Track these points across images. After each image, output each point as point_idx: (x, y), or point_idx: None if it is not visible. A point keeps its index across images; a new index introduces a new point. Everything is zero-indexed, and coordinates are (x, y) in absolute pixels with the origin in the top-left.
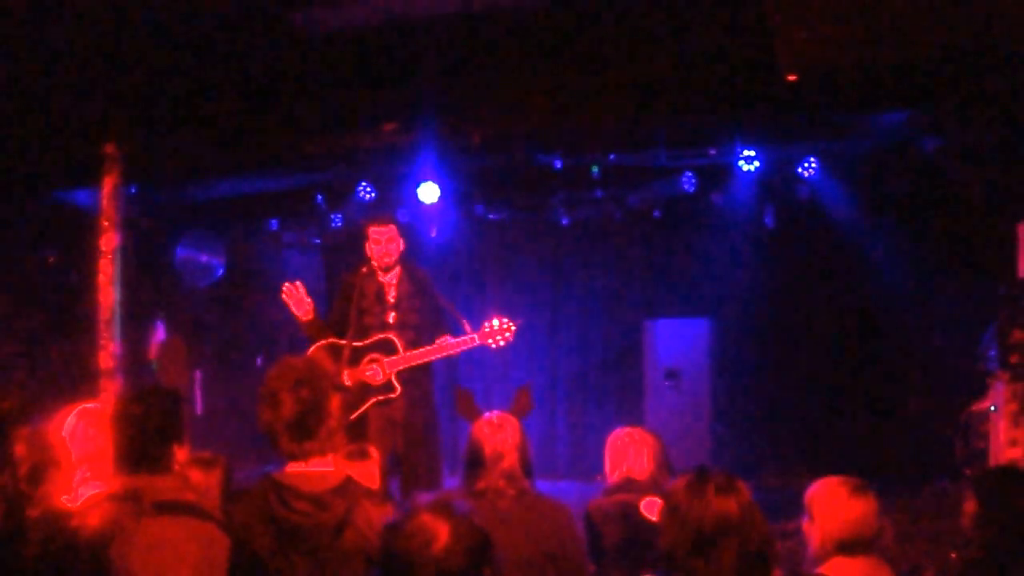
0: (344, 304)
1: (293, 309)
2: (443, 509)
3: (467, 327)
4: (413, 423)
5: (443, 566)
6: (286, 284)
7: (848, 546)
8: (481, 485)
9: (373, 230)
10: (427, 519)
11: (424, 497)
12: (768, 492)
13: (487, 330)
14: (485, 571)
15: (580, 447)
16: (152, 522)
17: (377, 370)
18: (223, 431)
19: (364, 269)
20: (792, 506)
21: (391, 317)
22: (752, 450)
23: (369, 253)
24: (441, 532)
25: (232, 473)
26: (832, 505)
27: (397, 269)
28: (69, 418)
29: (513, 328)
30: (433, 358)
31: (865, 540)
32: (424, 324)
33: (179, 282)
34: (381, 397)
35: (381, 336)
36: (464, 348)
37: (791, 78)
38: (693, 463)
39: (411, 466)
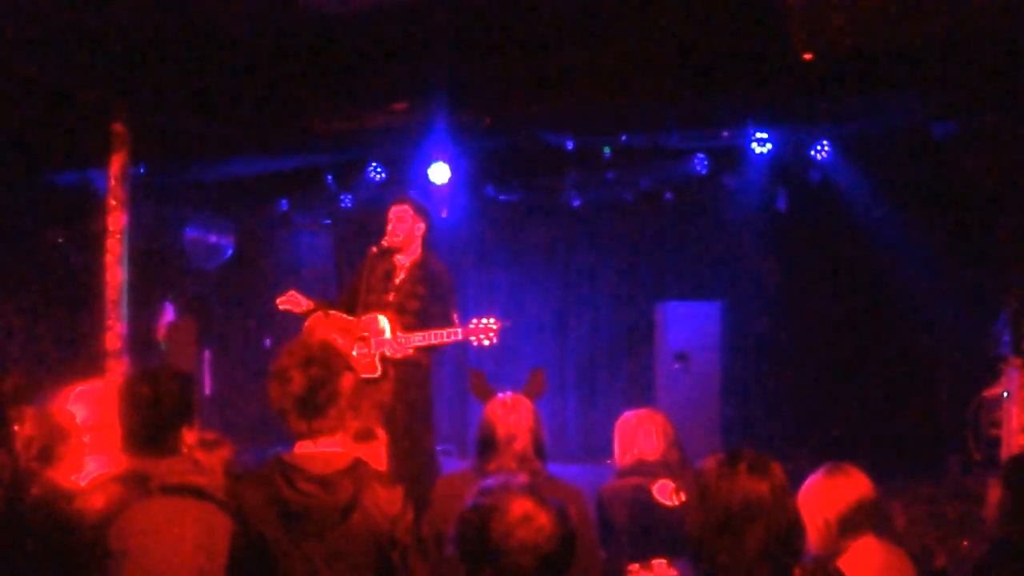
0: (355, 280)
1: (296, 311)
2: (540, 496)
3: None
4: (398, 409)
5: (541, 553)
6: (278, 299)
7: (848, 525)
8: (493, 466)
9: (390, 209)
10: (531, 506)
11: (507, 479)
12: None
13: (472, 327)
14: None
15: (590, 430)
16: (151, 502)
17: (364, 348)
18: (231, 412)
19: (375, 248)
20: (797, 489)
21: (391, 297)
22: (762, 433)
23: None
24: (547, 521)
25: (236, 455)
26: (814, 491)
27: (415, 254)
28: (68, 399)
29: (497, 328)
30: (415, 346)
31: (862, 514)
32: (425, 312)
33: (188, 263)
34: (364, 375)
35: (375, 314)
36: (446, 342)
37: (806, 57)
38: (702, 445)
39: (394, 452)
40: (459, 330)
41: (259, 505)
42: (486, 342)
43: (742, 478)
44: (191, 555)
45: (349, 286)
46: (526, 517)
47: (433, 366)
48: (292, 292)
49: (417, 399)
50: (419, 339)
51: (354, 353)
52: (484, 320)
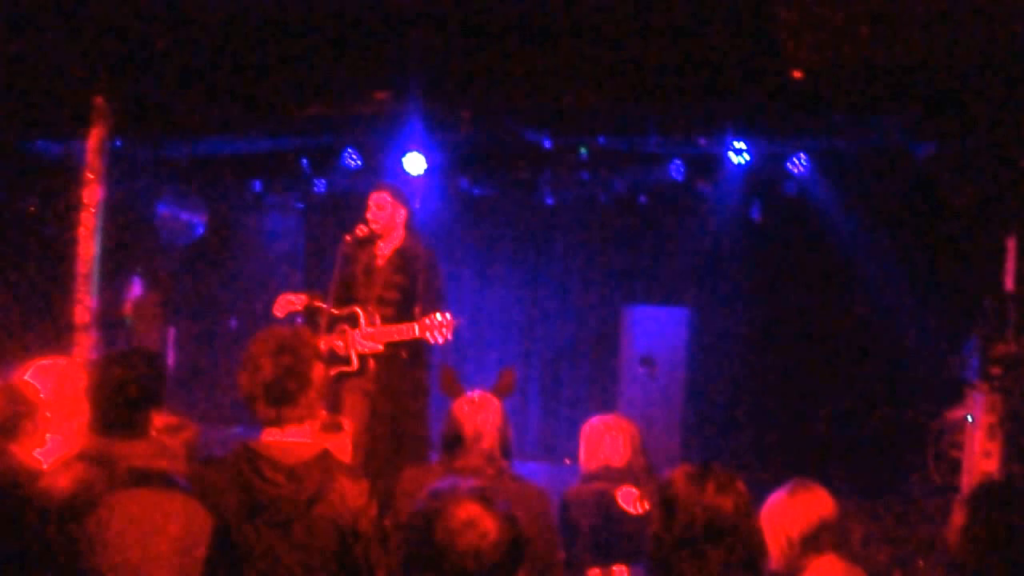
0: (336, 271)
1: (295, 310)
2: (488, 501)
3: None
4: (380, 402)
5: (485, 560)
6: (275, 309)
7: (810, 541)
8: (460, 464)
9: (370, 196)
10: (476, 511)
11: (455, 482)
12: None
13: (427, 323)
14: (520, 572)
15: (551, 429)
16: (132, 494)
17: (340, 342)
18: (193, 390)
19: (348, 237)
20: (757, 503)
21: (371, 290)
22: (722, 443)
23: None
24: (491, 527)
25: (198, 437)
26: (777, 509)
27: (397, 241)
28: (27, 374)
29: (451, 324)
30: (378, 341)
31: (824, 532)
32: (405, 302)
33: (158, 239)
34: (343, 368)
35: (352, 308)
36: (404, 337)
37: (796, 75)
38: (663, 451)
39: (375, 445)
40: (415, 326)
41: (224, 492)
42: (440, 339)
43: (709, 495)
44: (170, 548)
45: (334, 277)
46: (470, 522)
47: (425, 356)
48: (283, 296)
49: (400, 391)
50: (382, 335)
51: (335, 344)
52: (439, 316)
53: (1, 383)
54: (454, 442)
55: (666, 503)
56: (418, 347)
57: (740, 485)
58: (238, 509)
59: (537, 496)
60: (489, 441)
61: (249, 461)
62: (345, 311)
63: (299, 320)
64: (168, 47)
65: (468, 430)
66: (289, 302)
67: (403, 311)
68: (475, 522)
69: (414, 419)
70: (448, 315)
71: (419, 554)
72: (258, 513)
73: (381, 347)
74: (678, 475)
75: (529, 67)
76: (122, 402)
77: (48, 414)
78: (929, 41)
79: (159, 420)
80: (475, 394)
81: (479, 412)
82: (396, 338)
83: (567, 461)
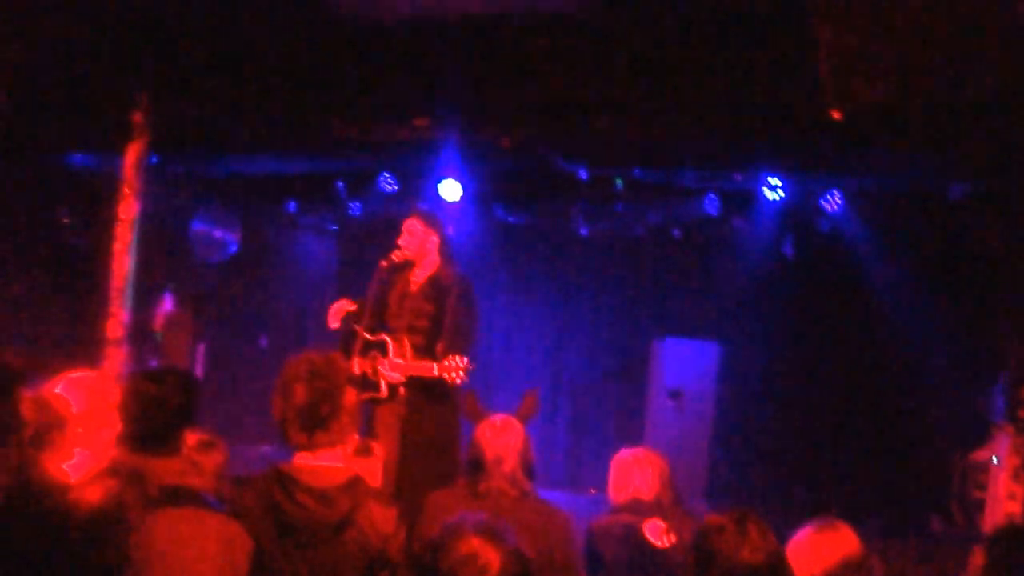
0: (371, 296)
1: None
2: (495, 536)
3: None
4: (409, 430)
5: None
6: (331, 320)
7: None
8: (483, 487)
9: (403, 223)
10: (478, 545)
11: (464, 516)
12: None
13: (447, 364)
14: None
15: (577, 459)
16: (172, 513)
17: (371, 369)
18: (222, 408)
19: (384, 263)
20: (782, 540)
21: (402, 320)
22: (748, 479)
23: None
24: (494, 560)
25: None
26: (803, 546)
27: (431, 268)
28: (58, 386)
29: (466, 368)
30: (402, 374)
31: (848, 571)
32: (435, 330)
33: (191, 256)
34: (374, 395)
35: (382, 336)
36: (422, 375)
37: (835, 115)
38: (689, 485)
39: (405, 471)
40: (434, 365)
41: (255, 513)
42: (458, 381)
43: (746, 548)
44: (212, 569)
45: (368, 301)
46: (472, 556)
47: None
48: (338, 303)
49: (431, 418)
50: (405, 369)
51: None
52: (456, 359)
53: (32, 395)
54: (476, 466)
55: (703, 555)
56: (443, 382)
57: (772, 539)
58: (268, 530)
59: (560, 520)
60: (511, 464)
61: (280, 483)
62: (376, 338)
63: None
64: (208, 65)
65: (489, 454)
66: (343, 309)
67: (433, 339)
68: (476, 556)
69: (444, 445)
70: (464, 359)
71: None
72: (287, 535)
73: (403, 379)
74: (715, 527)
75: (567, 98)
76: (155, 419)
77: (79, 428)
78: (965, 80)
79: (191, 438)
80: (497, 418)
81: (500, 436)
82: (418, 374)
83: (592, 491)
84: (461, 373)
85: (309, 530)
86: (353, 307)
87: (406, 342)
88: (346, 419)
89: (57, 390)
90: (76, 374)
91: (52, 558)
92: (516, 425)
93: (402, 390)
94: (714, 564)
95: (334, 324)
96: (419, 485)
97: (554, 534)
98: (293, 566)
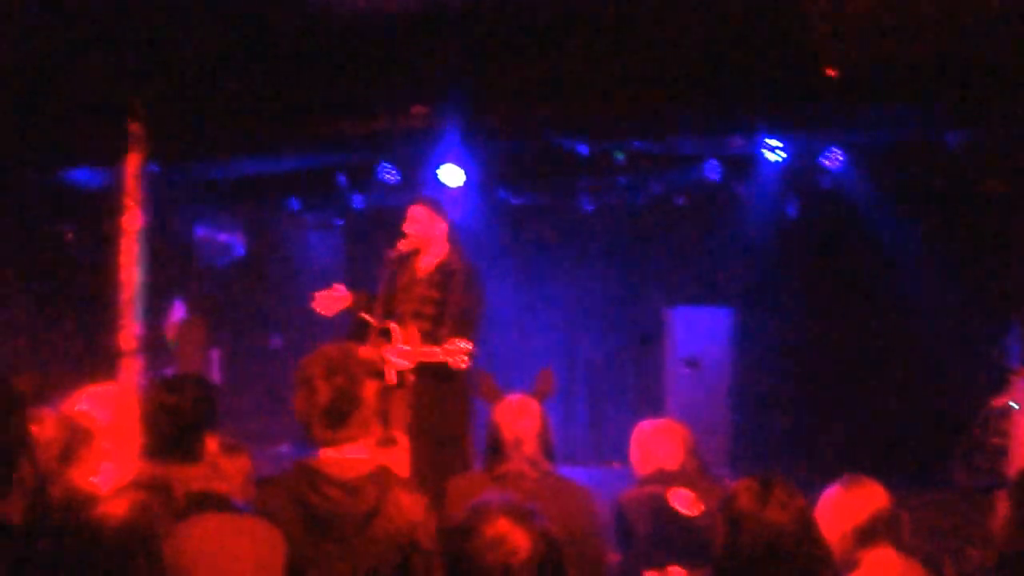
0: (381, 285)
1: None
2: (523, 517)
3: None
4: (418, 416)
5: (514, 574)
6: (319, 309)
7: (865, 534)
8: (503, 469)
9: (407, 210)
10: (507, 527)
11: (491, 497)
12: None
13: (450, 347)
14: None
15: (598, 433)
16: (206, 517)
17: (381, 355)
18: (238, 411)
19: (392, 252)
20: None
21: (409, 305)
22: (770, 440)
23: None
24: (522, 543)
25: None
26: (832, 503)
27: (439, 255)
28: (79, 401)
29: (469, 351)
30: (403, 361)
31: (879, 524)
32: (441, 316)
33: (197, 261)
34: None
35: (387, 323)
36: (428, 359)
37: (830, 73)
38: (711, 452)
39: (416, 458)
40: (438, 349)
41: (283, 510)
42: (462, 365)
43: (772, 512)
44: (249, 572)
45: (379, 291)
46: (500, 539)
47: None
48: (322, 293)
49: (439, 404)
50: (411, 355)
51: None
52: (459, 343)
53: (54, 412)
54: (495, 448)
55: (731, 519)
56: (449, 366)
57: (800, 501)
58: (296, 526)
59: (582, 495)
60: (531, 445)
61: (306, 478)
62: (382, 326)
63: (347, 320)
64: (201, 68)
65: (508, 435)
66: (333, 299)
67: (439, 326)
68: (505, 539)
69: (453, 430)
70: (467, 343)
71: (454, 570)
72: (318, 529)
73: (411, 365)
74: (741, 490)
75: (561, 73)
76: (176, 427)
77: (104, 441)
78: (958, 30)
79: (213, 443)
80: (514, 398)
81: (519, 417)
82: (424, 359)
83: (616, 464)
84: (464, 356)
85: (338, 522)
86: (345, 295)
87: (413, 328)
88: (368, 412)
89: (80, 405)
90: (96, 388)
91: (82, 572)
92: (533, 405)
93: (410, 377)
94: (742, 527)
95: (325, 312)
96: (429, 471)
97: (577, 512)
98: (324, 560)
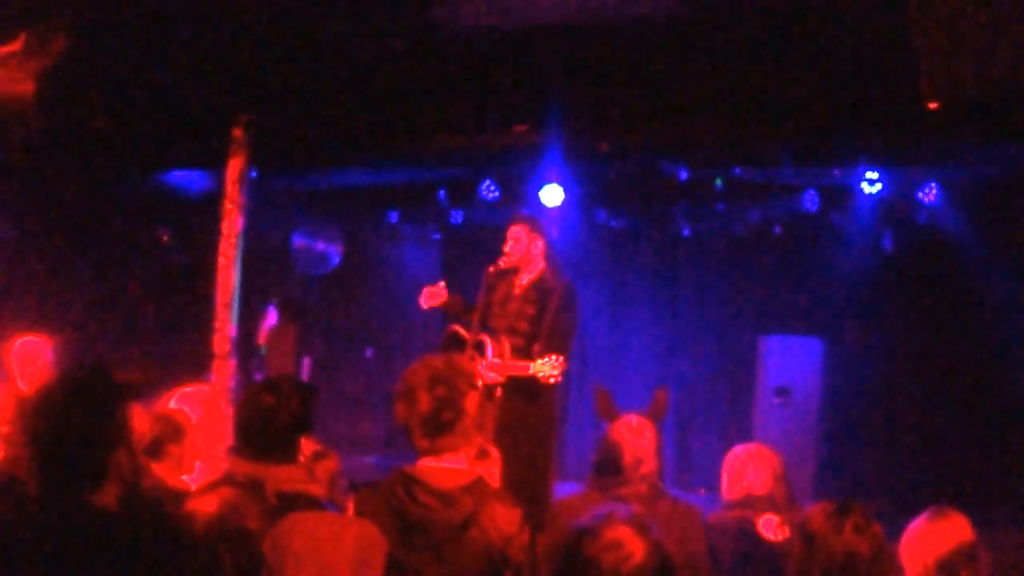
0: (478, 300)
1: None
2: (641, 527)
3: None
4: (506, 432)
5: None
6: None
7: (946, 570)
8: (623, 491)
9: (508, 229)
10: (626, 533)
11: (616, 508)
12: None
13: (541, 363)
14: None
15: (686, 458)
16: (307, 515)
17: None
18: (327, 419)
19: (492, 268)
20: (892, 536)
21: (504, 320)
22: (857, 474)
23: None
24: (638, 550)
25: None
26: (916, 535)
27: (535, 272)
28: (174, 400)
29: (561, 367)
30: (499, 374)
31: (960, 560)
32: (534, 333)
33: (294, 269)
34: None
35: (481, 336)
36: (518, 374)
37: (932, 106)
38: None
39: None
40: (529, 365)
41: (379, 515)
42: (552, 380)
43: (848, 535)
44: (350, 571)
45: (477, 306)
46: (616, 543)
47: (547, 390)
48: (429, 288)
49: (524, 420)
50: (502, 368)
51: None
52: (552, 358)
53: (151, 408)
54: (612, 467)
55: (806, 539)
56: (538, 382)
57: (877, 527)
58: (393, 532)
59: (693, 515)
60: (649, 466)
61: (404, 485)
62: (476, 339)
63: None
64: (308, 79)
65: (628, 456)
66: (434, 293)
67: (532, 342)
68: (621, 543)
69: (538, 446)
70: (560, 358)
71: (566, 570)
72: (412, 536)
73: (502, 379)
74: (818, 512)
75: (666, 99)
76: (273, 428)
77: (197, 439)
78: None
79: (310, 447)
80: (632, 418)
81: (638, 438)
82: (514, 374)
83: (702, 491)
84: (556, 372)
85: (432, 530)
86: (445, 295)
87: (505, 342)
88: (469, 423)
89: (173, 404)
90: (190, 388)
91: (170, 566)
92: (651, 426)
93: (498, 391)
94: (815, 549)
95: (426, 305)
96: (511, 486)
97: (690, 534)
98: (417, 566)
